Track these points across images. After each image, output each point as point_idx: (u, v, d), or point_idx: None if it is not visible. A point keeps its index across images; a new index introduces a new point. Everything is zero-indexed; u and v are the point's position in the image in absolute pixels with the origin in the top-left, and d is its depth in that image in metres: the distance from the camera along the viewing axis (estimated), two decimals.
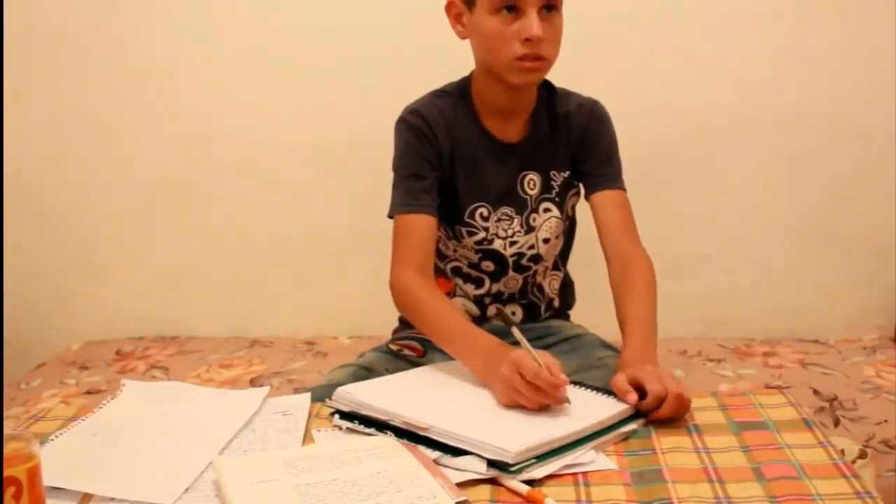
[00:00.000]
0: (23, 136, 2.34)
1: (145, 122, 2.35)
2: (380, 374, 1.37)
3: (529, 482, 0.95)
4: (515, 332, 1.17)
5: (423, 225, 1.40)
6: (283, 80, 2.31)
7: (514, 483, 0.94)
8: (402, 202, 1.43)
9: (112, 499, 0.95)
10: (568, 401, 1.09)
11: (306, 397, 1.23)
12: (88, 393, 1.97)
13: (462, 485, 0.94)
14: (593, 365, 1.43)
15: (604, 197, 1.46)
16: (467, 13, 1.37)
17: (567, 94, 1.50)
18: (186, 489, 0.96)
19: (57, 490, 0.94)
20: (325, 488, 0.93)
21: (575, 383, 1.16)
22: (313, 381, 1.54)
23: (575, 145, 1.47)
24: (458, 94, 1.47)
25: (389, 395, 1.16)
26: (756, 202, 2.28)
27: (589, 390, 1.16)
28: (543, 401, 1.08)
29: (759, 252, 2.30)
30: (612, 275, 1.42)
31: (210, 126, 2.34)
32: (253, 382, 1.98)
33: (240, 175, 2.36)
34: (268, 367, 2.10)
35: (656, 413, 1.10)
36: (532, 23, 1.29)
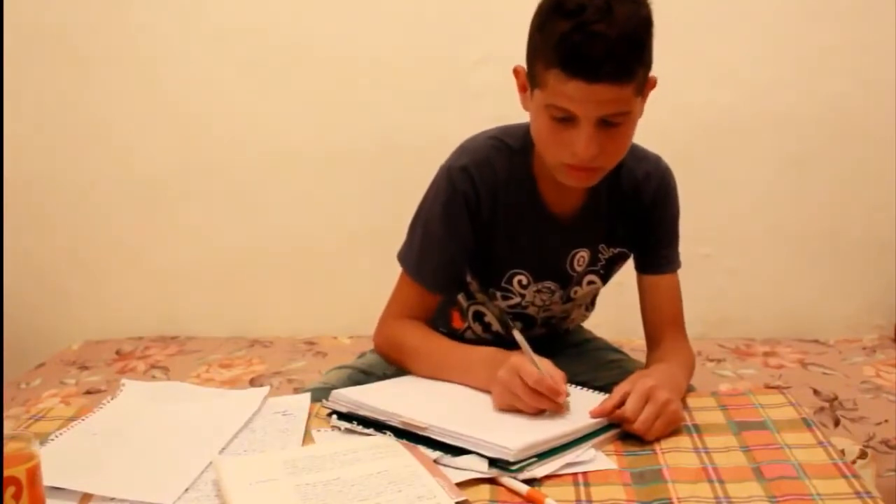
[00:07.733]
0: (23, 137, 2.35)
1: (145, 122, 2.35)
2: (378, 376, 1.36)
3: (529, 482, 0.95)
4: (516, 334, 1.15)
5: (428, 303, 1.32)
6: (282, 81, 2.31)
7: (514, 483, 0.94)
8: (416, 270, 1.30)
9: (112, 499, 0.94)
10: (567, 409, 1.08)
11: (306, 397, 1.22)
12: (88, 393, 1.97)
13: (462, 485, 0.94)
14: (604, 367, 1.42)
15: (657, 281, 1.34)
16: (529, 89, 1.18)
17: (636, 159, 1.29)
18: (186, 489, 0.96)
19: (57, 490, 0.94)
20: (325, 488, 0.93)
21: (578, 384, 1.16)
22: (313, 381, 1.54)
23: (636, 222, 1.33)
24: (521, 150, 1.27)
25: (387, 395, 1.15)
26: (756, 202, 2.28)
27: (591, 391, 1.16)
28: (541, 406, 1.07)
29: (759, 252, 2.30)
30: (651, 361, 1.31)
31: (209, 126, 2.34)
32: (253, 382, 1.98)
33: (239, 175, 2.36)
34: (268, 367, 2.10)
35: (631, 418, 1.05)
36: (582, 139, 1.11)
